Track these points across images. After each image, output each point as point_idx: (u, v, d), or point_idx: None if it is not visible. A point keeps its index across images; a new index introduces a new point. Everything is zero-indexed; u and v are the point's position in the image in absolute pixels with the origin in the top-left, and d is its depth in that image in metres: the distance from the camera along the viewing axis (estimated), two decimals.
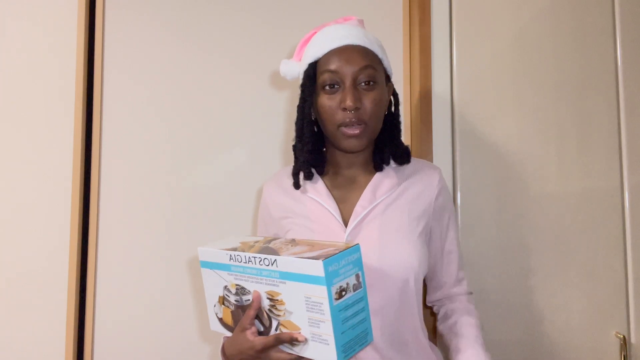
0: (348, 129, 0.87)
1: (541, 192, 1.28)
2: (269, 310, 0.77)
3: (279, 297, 0.75)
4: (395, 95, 0.98)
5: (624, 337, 1.22)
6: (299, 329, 0.73)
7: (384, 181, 0.94)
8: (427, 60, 1.31)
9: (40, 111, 1.33)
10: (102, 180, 1.33)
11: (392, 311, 0.87)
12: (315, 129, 0.96)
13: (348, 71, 0.86)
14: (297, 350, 0.74)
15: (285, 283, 0.73)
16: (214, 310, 0.87)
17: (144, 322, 1.31)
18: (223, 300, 0.84)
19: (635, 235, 1.26)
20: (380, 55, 0.92)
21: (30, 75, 1.34)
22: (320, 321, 0.70)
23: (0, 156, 1.32)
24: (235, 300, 0.82)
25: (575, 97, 1.30)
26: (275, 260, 0.73)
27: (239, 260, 0.78)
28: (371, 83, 0.88)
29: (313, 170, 0.97)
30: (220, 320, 0.86)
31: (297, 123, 0.94)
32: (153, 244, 1.32)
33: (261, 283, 0.77)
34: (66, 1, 1.35)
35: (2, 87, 1.34)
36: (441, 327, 1.00)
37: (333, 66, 0.87)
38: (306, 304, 0.71)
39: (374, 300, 0.86)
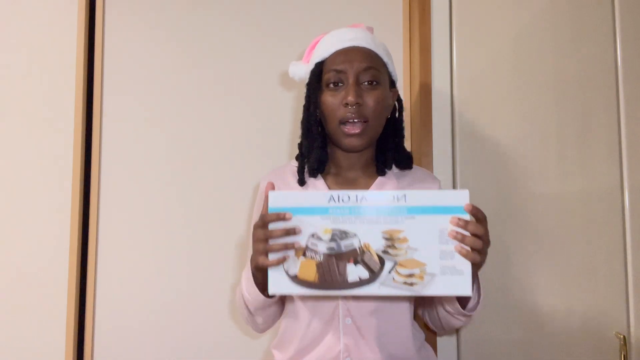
0: (349, 127, 0.88)
1: (541, 192, 1.28)
2: (384, 251, 0.74)
3: (400, 235, 0.73)
4: (399, 101, 1.00)
5: (624, 337, 1.22)
6: (424, 264, 0.72)
7: (387, 185, 0.95)
8: (427, 60, 1.31)
9: (40, 111, 1.33)
10: (102, 180, 1.33)
11: (387, 311, 0.89)
12: (319, 129, 0.97)
13: (351, 69, 0.89)
14: (418, 290, 0.73)
15: (413, 218, 0.73)
16: (284, 268, 0.76)
17: (144, 323, 1.30)
18: (304, 252, 0.76)
19: (635, 235, 1.26)
20: (385, 59, 0.94)
21: (30, 76, 1.34)
22: (455, 251, 0.72)
23: (0, 156, 1.32)
24: (329, 248, 0.75)
25: (575, 97, 1.30)
26: (404, 195, 0.73)
27: (345, 200, 0.74)
28: (374, 83, 0.90)
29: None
30: (294, 277, 0.76)
31: (302, 122, 0.95)
32: (153, 244, 1.32)
33: (378, 222, 0.73)
34: (66, 1, 1.35)
35: (2, 87, 1.34)
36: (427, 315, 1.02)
37: (338, 65, 0.90)
38: (440, 237, 0.72)
39: (370, 301, 0.87)
